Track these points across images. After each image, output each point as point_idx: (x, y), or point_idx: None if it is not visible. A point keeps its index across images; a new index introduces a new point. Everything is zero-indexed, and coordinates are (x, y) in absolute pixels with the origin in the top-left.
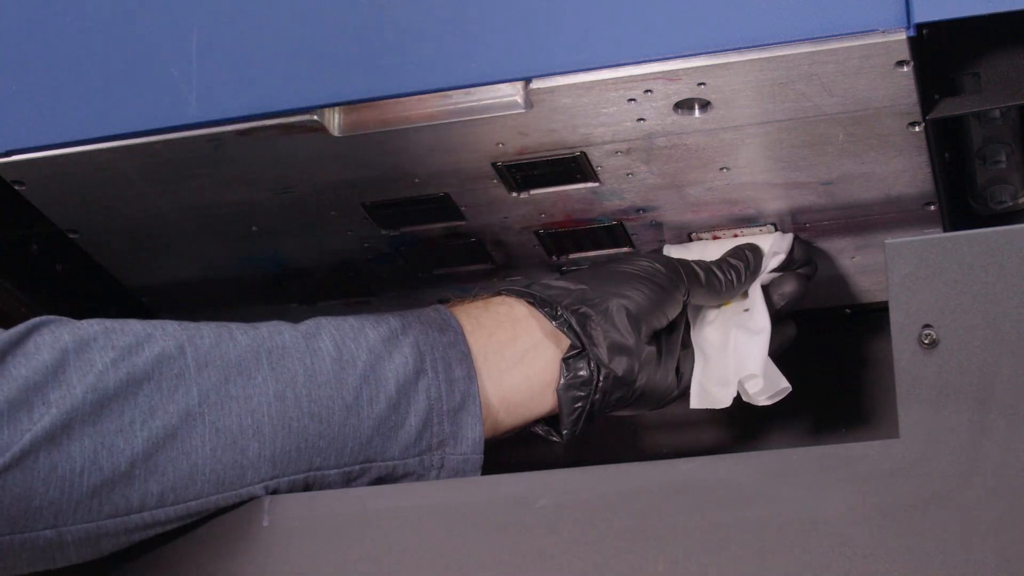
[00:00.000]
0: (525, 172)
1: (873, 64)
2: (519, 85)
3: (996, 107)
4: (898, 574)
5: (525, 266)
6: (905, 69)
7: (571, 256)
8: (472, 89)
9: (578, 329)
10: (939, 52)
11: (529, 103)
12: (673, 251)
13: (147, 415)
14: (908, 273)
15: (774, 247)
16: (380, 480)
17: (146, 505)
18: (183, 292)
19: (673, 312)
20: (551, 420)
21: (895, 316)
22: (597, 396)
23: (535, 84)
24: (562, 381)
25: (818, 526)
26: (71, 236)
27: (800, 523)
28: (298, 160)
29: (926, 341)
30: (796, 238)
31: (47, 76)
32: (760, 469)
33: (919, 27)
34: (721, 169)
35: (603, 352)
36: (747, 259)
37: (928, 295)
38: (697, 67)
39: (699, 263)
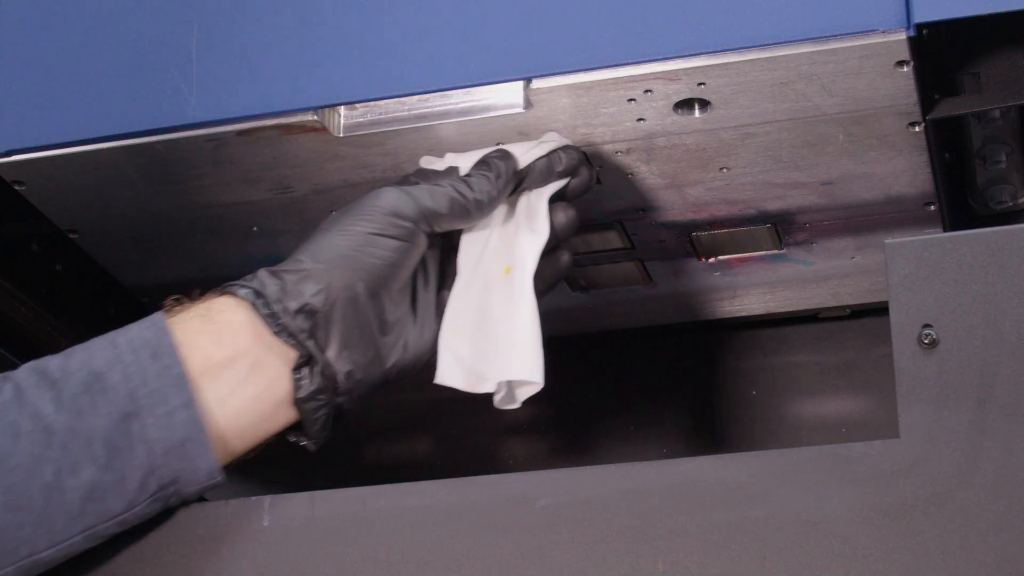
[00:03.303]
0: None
1: (873, 64)
2: (519, 85)
3: (996, 107)
4: (898, 574)
5: None
6: (905, 69)
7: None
8: (472, 89)
9: (302, 337)
10: (939, 52)
11: (529, 103)
12: (424, 162)
13: None
14: (908, 273)
15: (531, 151)
16: (109, 537)
17: None
18: (183, 292)
19: (416, 258)
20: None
21: (895, 316)
22: (341, 398)
23: (535, 84)
24: (296, 395)
25: (818, 526)
26: (71, 236)
27: (800, 523)
28: (298, 160)
29: (926, 341)
30: (567, 148)
31: (47, 76)
32: (760, 469)
33: (919, 27)
34: (721, 169)
35: (334, 355)
36: (497, 168)
37: (928, 295)
38: (697, 67)
39: (438, 185)
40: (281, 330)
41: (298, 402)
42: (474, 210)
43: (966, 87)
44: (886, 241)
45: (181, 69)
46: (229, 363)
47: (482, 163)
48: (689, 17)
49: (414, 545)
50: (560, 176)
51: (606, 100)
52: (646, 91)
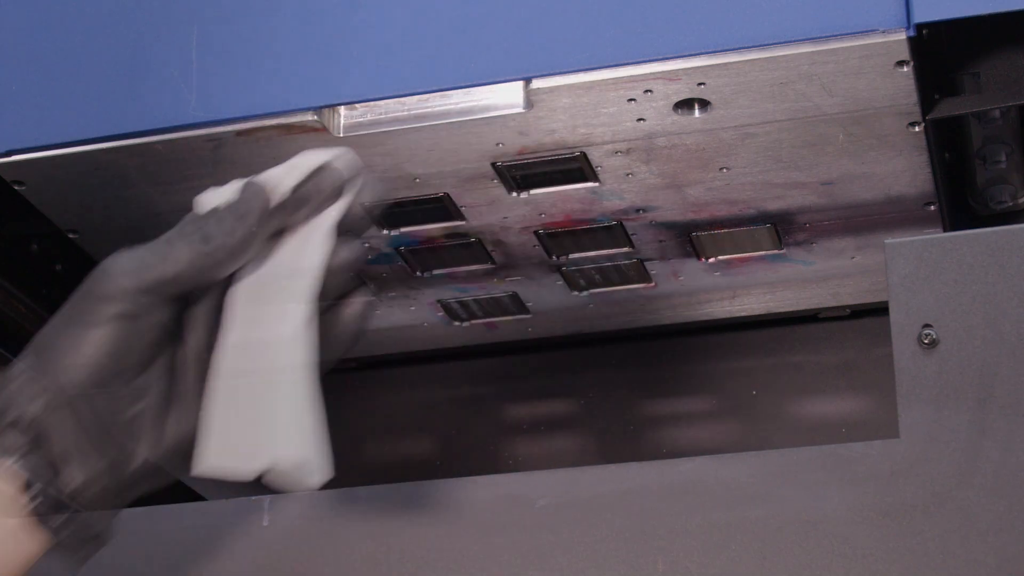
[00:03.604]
0: (525, 172)
1: (873, 64)
2: (519, 85)
3: (996, 107)
4: (898, 574)
5: (525, 266)
6: (905, 69)
7: (571, 256)
8: (472, 89)
9: (17, 456)
10: (939, 52)
11: (529, 103)
12: (199, 202)
13: None
14: (908, 273)
15: (287, 176)
16: None
17: None
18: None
19: (151, 335)
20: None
21: (895, 316)
22: (80, 513)
23: (535, 84)
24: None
25: (818, 526)
26: (71, 236)
27: (800, 523)
28: None
29: (926, 341)
30: (325, 167)
31: (47, 76)
32: (760, 469)
33: (919, 27)
34: (721, 169)
35: (63, 468)
36: (244, 203)
37: (928, 295)
38: (697, 67)
39: (177, 237)
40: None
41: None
42: (224, 259)
43: (966, 87)
44: (886, 241)
45: (181, 69)
46: None
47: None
48: (689, 17)
49: (414, 545)
50: (328, 202)
51: (606, 100)
52: (646, 91)
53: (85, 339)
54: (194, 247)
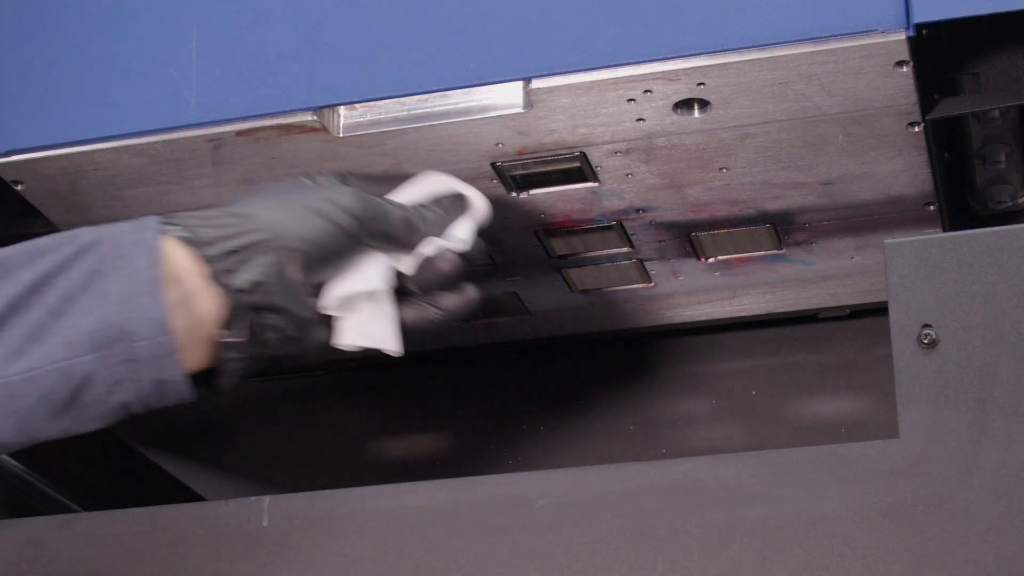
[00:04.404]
0: (525, 172)
1: (873, 64)
2: (519, 85)
3: (996, 107)
4: (898, 574)
5: (524, 266)
6: (905, 69)
7: (571, 256)
8: (472, 89)
9: (228, 285)
10: (939, 52)
11: (529, 103)
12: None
13: None
14: (908, 273)
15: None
16: (58, 395)
17: None
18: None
19: (347, 261)
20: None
21: (895, 316)
22: (253, 352)
23: (535, 84)
24: (221, 339)
25: (818, 526)
26: None
27: (800, 523)
28: (298, 160)
29: (926, 341)
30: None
31: (47, 76)
32: (760, 469)
33: (919, 27)
34: (721, 169)
35: (272, 301)
36: (445, 210)
37: (927, 295)
38: (697, 67)
39: (397, 213)
40: (217, 276)
41: (220, 349)
42: (411, 242)
43: (966, 87)
44: (886, 241)
45: (181, 69)
46: (179, 279)
47: (437, 202)
48: (689, 17)
49: (414, 545)
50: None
51: (606, 100)
52: (646, 91)
53: (315, 224)
54: (403, 216)
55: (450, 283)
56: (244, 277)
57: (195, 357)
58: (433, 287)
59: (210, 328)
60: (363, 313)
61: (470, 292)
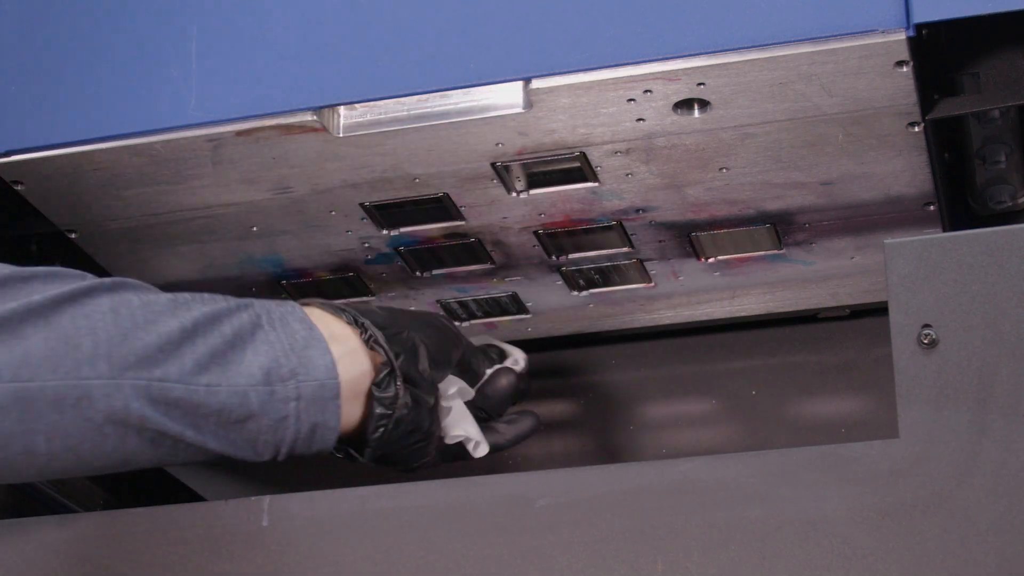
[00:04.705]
0: (524, 172)
1: (873, 64)
2: (519, 85)
3: (996, 107)
4: (898, 574)
5: (524, 266)
6: (905, 69)
7: (570, 256)
8: (472, 89)
9: (386, 347)
10: (939, 52)
11: (529, 103)
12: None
13: (3, 300)
14: (908, 273)
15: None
16: (233, 413)
17: None
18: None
19: (449, 369)
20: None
21: (895, 316)
22: (398, 414)
23: (535, 84)
24: (373, 392)
25: (818, 526)
26: (71, 236)
27: (800, 523)
28: (298, 160)
29: (926, 341)
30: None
31: (47, 76)
32: (760, 469)
33: (919, 27)
34: (721, 169)
35: (410, 374)
36: (492, 358)
37: (927, 295)
38: (697, 67)
39: (468, 339)
40: (370, 336)
41: (373, 403)
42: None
43: (966, 87)
44: (886, 241)
45: (181, 69)
46: (338, 339)
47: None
48: (689, 17)
49: (414, 545)
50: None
51: (606, 100)
52: (646, 91)
53: (434, 324)
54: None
55: (509, 403)
56: (392, 347)
57: (349, 410)
58: (494, 408)
59: (365, 383)
60: (461, 412)
61: (526, 424)
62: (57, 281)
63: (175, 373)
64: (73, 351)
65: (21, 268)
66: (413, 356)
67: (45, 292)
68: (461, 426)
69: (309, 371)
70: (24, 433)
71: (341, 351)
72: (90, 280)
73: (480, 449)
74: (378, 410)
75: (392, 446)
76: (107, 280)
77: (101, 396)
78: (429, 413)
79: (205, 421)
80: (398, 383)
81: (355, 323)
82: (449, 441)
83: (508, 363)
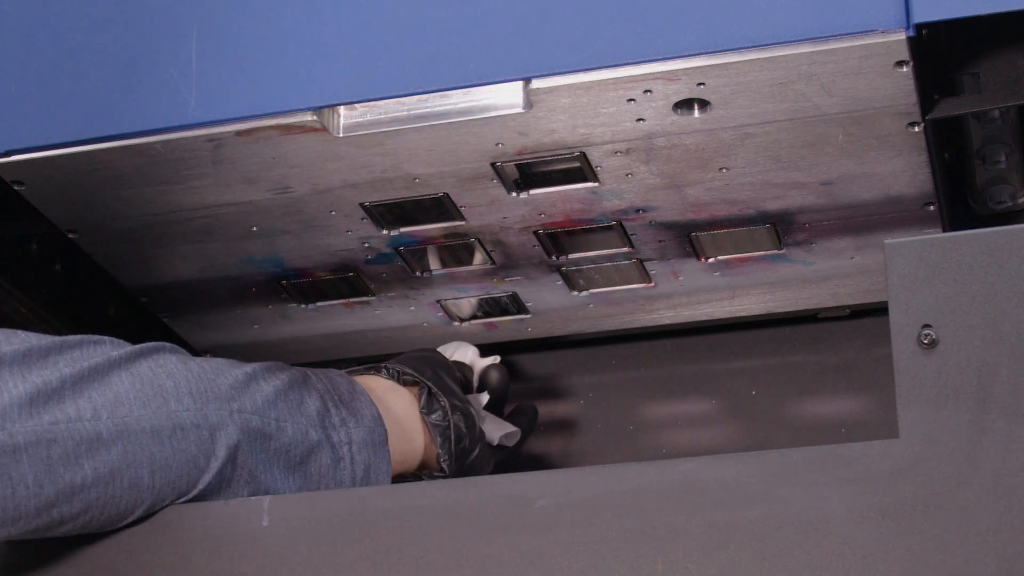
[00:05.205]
0: (524, 172)
1: (873, 64)
2: (519, 85)
3: (995, 107)
4: (898, 574)
5: (524, 266)
6: (905, 69)
7: (570, 256)
8: (472, 89)
9: (425, 380)
10: (939, 52)
11: (529, 103)
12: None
13: (76, 360)
14: (908, 273)
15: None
16: (297, 453)
17: (82, 416)
18: (183, 292)
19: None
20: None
21: (895, 316)
22: (452, 433)
23: (535, 84)
24: (426, 418)
25: (818, 526)
26: (71, 236)
27: (800, 523)
28: (298, 160)
29: (926, 341)
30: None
31: (47, 76)
32: (760, 469)
33: (919, 27)
34: (721, 169)
35: (448, 401)
36: (464, 364)
37: (927, 295)
38: (697, 67)
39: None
40: (404, 376)
41: (430, 425)
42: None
43: (966, 87)
44: (886, 241)
45: (181, 69)
46: (373, 390)
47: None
48: (689, 17)
49: (414, 545)
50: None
51: (606, 100)
52: (646, 91)
53: (430, 362)
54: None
55: (507, 394)
56: (425, 374)
57: (410, 445)
58: (498, 403)
59: (414, 413)
60: (488, 415)
61: (529, 412)
62: (107, 345)
63: (250, 406)
64: (159, 391)
65: (63, 336)
66: (438, 376)
67: (109, 354)
68: (497, 425)
69: (359, 419)
70: (129, 467)
71: (380, 388)
72: (141, 345)
73: (514, 437)
74: (434, 419)
75: (462, 460)
76: (157, 343)
77: (191, 427)
78: (476, 420)
79: (276, 460)
80: (441, 400)
81: (375, 371)
82: (494, 443)
83: (488, 361)
